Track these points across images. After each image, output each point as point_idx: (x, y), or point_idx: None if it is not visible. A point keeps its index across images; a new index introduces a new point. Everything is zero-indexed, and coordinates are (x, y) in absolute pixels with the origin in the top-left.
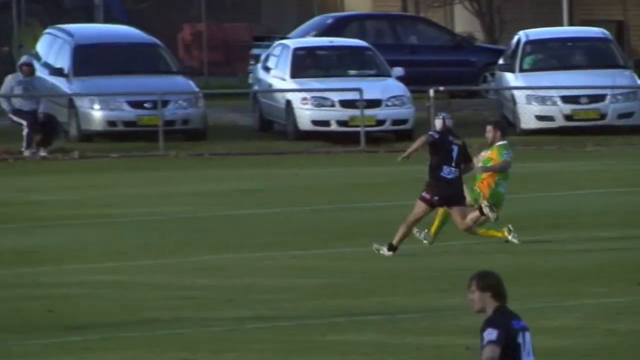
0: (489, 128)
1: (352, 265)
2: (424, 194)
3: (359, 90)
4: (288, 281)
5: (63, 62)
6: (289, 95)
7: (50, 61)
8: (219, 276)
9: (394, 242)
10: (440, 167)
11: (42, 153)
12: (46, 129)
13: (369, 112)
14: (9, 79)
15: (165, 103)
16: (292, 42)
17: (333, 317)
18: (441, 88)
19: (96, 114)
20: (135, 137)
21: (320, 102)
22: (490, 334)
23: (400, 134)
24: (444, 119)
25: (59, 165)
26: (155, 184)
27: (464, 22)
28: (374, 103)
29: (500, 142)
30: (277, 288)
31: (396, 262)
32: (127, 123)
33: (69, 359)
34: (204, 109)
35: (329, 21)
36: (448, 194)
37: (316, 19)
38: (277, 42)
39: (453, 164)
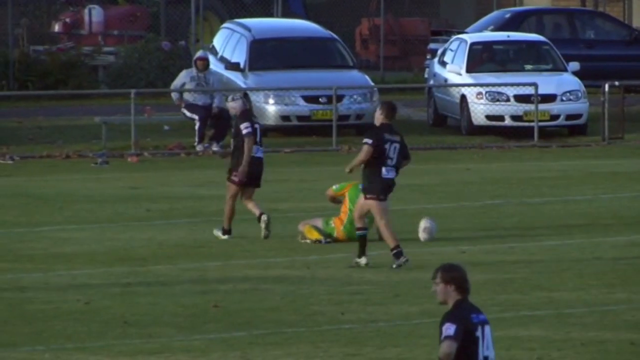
0: None
1: (521, 260)
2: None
3: (534, 84)
4: None
5: (239, 56)
6: (463, 90)
7: (227, 55)
8: (387, 271)
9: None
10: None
11: (215, 148)
12: (219, 124)
13: (543, 106)
14: (183, 74)
15: (339, 98)
16: (469, 37)
17: (500, 312)
18: (616, 83)
19: (270, 108)
20: (309, 131)
21: (495, 97)
22: (449, 328)
23: (574, 129)
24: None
25: None
26: (327, 179)
27: None
28: (549, 98)
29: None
30: None
31: (565, 257)
32: (301, 118)
33: (234, 354)
34: (378, 104)
35: (507, 16)
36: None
37: (494, 14)
38: (454, 37)
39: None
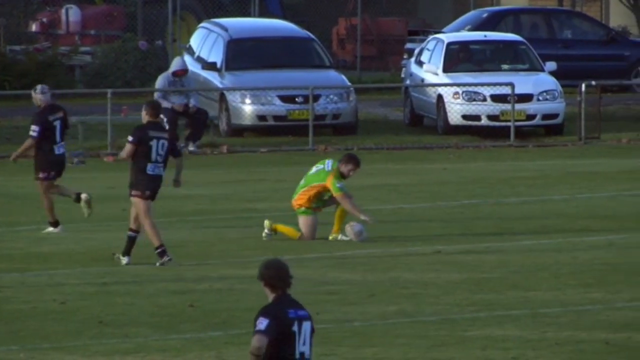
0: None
1: (497, 260)
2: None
3: (511, 84)
4: (432, 276)
5: (216, 56)
6: (440, 90)
7: (204, 55)
8: (363, 270)
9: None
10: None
11: (191, 147)
12: (195, 124)
13: (519, 106)
14: (160, 80)
15: (316, 97)
16: (446, 37)
17: (475, 311)
18: (593, 82)
19: (247, 108)
20: (285, 131)
21: (471, 97)
22: (261, 323)
23: (550, 129)
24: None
25: (207, 160)
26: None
27: (619, 16)
28: (525, 97)
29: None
30: (420, 282)
31: (542, 257)
32: (277, 117)
33: (209, 354)
34: (354, 104)
35: (484, 15)
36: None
37: (471, 13)
38: (431, 37)
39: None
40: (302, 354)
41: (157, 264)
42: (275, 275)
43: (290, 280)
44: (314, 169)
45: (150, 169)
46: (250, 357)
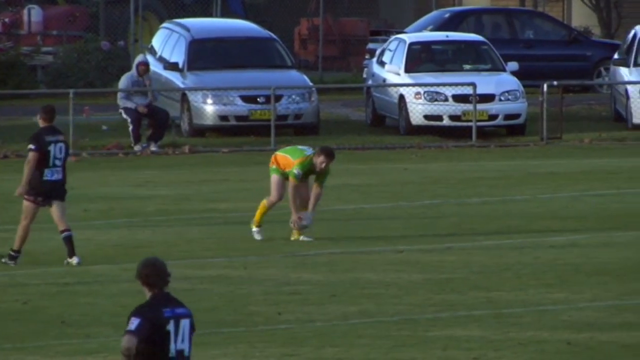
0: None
1: (459, 260)
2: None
3: (473, 84)
4: (394, 276)
5: (178, 56)
6: (402, 90)
7: (166, 55)
8: (325, 271)
9: (16, 247)
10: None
11: (153, 148)
12: (156, 124)
13: (481, 106)
14: (124, 80)
15: (278, 98)
16: (408, 37)
17: (437, 312)
18: (555, 83)
19: (209, 108)
20: (247, 131)
21: (433, 97)
22: (132, 323)
23: (512, 129)
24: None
25: (169, 160)
26: (265, 178)
27: (581, 16)
28: (487, 98)
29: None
30: (382, 283)
31: (504, 258)
32: (239, 117)
33: None
34: (316, 104)
35: (446, 16)
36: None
37: (433, 14)
38: (393, 37)
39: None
40: (179, 351)
41: (2, 260)
42: (152, 273)
43: (168, 279)
44: (300, 146)
45: (48, 174)
46: (121, 357)
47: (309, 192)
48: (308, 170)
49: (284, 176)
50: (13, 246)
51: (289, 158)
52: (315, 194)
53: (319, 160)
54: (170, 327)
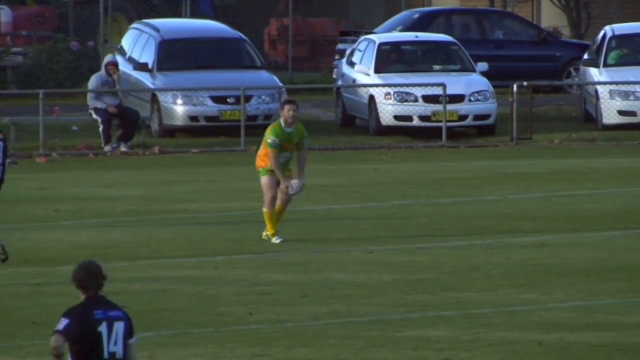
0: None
1: (430, 261)
2: None
3: (442, 85)
4: (364, 276)
5: (148, 57)
6: (372, 90)
7: (135, 56)
8: (295, 271)
9: None
10: None
11: (123, 148)
12: (126, 124)
13: (451, 107)
14: (93, 80)
15: (248, 98)
16: (378, 37)
17: (408, 312)
18: (524, 83)
19: (179, 109)
20: (217, 132)
21: (403, 97)
22: (61, 323)
23: (482, 129)
24: None
25: (139, 161)
26: (235, 179)
27: (550, 17)
28: (457, 98)
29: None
30: (352, 283)
31: (474, 258)
32: (209, 118)
33: (141, 354)
34: None
35: (416, 16)
36: None
37: (403, 14)
38: (362, 37)
39: None
40: (112, 354)
41: None
42: (85, 276)
43: (102, 282)
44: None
45: None
46: (51, 357)
47: (277, 191)
48: (282, 136)
49: (272, 173)
50: None
51: (264, 144)
52: (300, 158)
53: (285, 112)
54: (103, 328)
